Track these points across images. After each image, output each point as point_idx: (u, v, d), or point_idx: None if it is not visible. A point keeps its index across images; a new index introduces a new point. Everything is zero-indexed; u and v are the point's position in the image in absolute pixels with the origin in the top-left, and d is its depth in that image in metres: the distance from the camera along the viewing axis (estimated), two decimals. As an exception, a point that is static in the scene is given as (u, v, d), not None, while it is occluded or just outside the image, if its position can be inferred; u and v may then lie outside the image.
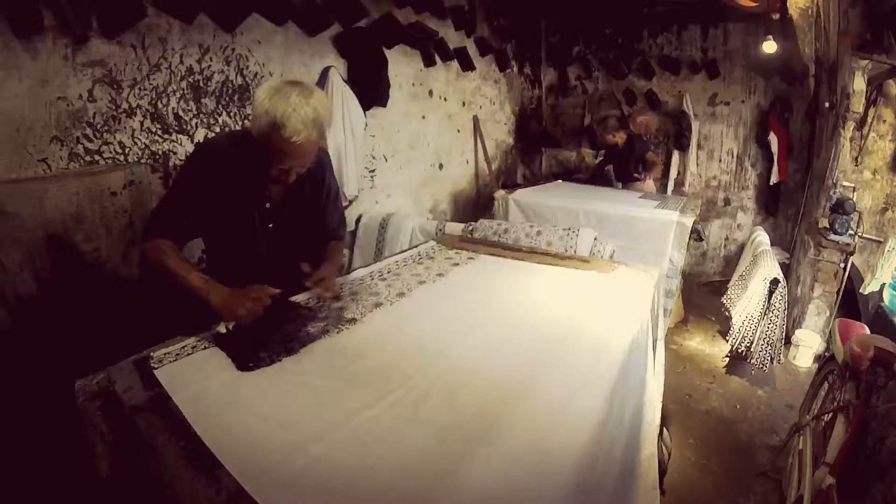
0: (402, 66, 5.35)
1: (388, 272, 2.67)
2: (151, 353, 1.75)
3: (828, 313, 4.77)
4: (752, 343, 4.27)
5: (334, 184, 2.49)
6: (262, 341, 1.82)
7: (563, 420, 1.48)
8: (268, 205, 2.21)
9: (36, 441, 2.56)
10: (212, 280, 1.96)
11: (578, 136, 8.42)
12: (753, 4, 5.52)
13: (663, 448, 3.14)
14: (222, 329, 1.89)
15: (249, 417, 1.43)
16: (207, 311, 1.94)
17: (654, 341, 2.56)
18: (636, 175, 6.37)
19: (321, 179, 2.38)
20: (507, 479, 1.25)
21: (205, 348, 1.81)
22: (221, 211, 2.13)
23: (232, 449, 1.29)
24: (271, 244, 2.25)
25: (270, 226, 2.24)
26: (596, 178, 7.09)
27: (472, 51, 6.47)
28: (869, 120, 4.88)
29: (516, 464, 1.30)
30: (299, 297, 2.26)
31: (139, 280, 2.83)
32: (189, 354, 1.76)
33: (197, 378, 1.61)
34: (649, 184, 6.45)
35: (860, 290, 4.71)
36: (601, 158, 7.23)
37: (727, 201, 7.46)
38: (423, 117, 5.88)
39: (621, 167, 6.53)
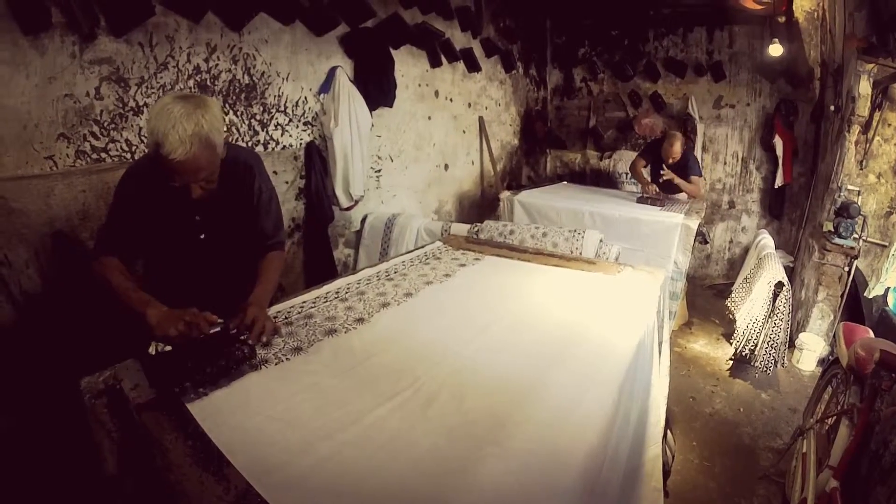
0: (408, 66, 5.35)
1: (395, 272, 2.68)
2: (158, 351, 1.75)
3: (832, 317, 4.76)
4: (756, 346, 4.28)
5: (266, 186, 2.34)
6: (190, 369, 1.62)
7: (571, 420, 1.48)
8: (197, 217, 2.15)
9: (42, 438, 2.56)
10: (153, 299, 1.89)
11: (584, 138, 8.40)
12: (759, 7, 5.51)
13: (667, 450, 3.14)
14: (151, 350, 1.81)
15: (257, 417, 1.43)
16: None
17: (660, 343, 2.56)
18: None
19: (249, 185, 2.26)
20: (516, 479, 1.25)
21: (212, 347, 1.81)
22: (154, 227, 2.11)
23: (240, 448, 1.29)
24: (206, 255, 2.21)
25: (202, 237, 2.19)
26: (602, 178, 7.09)
27: (478, 52, 6.47)
28: (874, 124, 4.85)
29: (525, 464, 1.30)
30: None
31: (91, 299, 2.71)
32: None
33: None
34: (682, 195, 6.35)
35: (864, 294, 4.69)
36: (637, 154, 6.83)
37: (732, 204, 7.45)
38: (429, 118, 5.88)
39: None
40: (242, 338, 1.81)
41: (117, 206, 2.12)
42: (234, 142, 3.65)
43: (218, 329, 1.83)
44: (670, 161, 5.73)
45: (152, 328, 1.77)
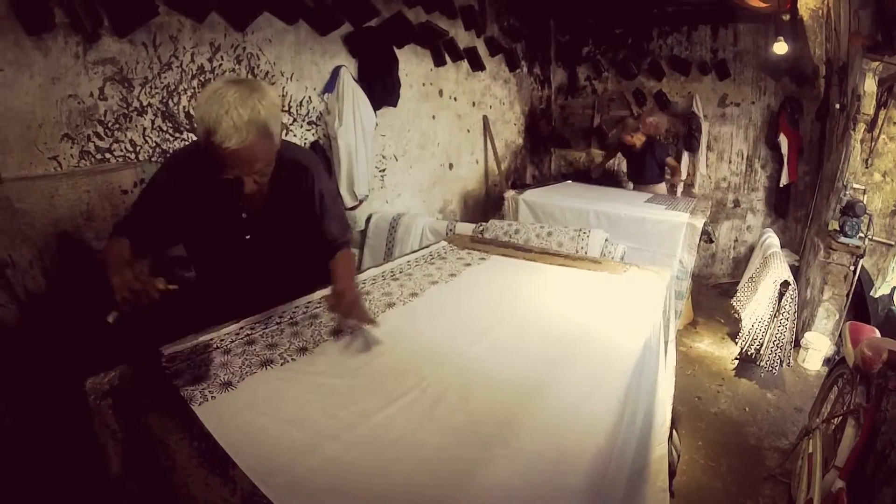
0: (412, 65, 5.35)
1: (401, 272, 2.67)
2: (163, 352, 1.75)
3: (837, 316, 4.76)
4: (761, 346, 4.26)
5: (328, 188, 2.24)
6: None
7: (577, 420, 1.48)
8: (243, 215, 2.06)
9: (47, 438, 2.57)
10: (129, 260, 1.74)
11: (588, 137, 8.41)
12: (764, 5, 5.50)
13: (672, 450, 3.13)
14: (110, 319, 1.62)
15: (263, 417, 1.43)
16: (219, 310, 1.95)
17: (665, 343, 2.56)
18: (667, 178, 6.45)
19: (308, 189, 2.14)
20: (523, 479, 1.25)
21: (216, 347, 1.81)
22: (196, 222, 2.03)
23: (246, 449, 1.29)
24: (251, 255, 2.12)
25: (248, 237, 2.10)
26: (605, 177, 7.13)
27: (482, 50, 6.46)
28: (879, 122, 4.84)
29: (531, 464, 1.29)
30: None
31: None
32: (201, 354, 1.76)
33: (209, 378, 1.61)
34: (661, 186, 6.45)
35: (870, 294, 4.68)
36: (604, 156, 7.29)
37: (737, 203, 7.44)
38: (433, 117, 5.87)
39: (636, 169, 6.54)
40: None
41: (149, 194, 2.02)
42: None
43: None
44: (630, 146, 6.42)
45: (111, 286, 1.63)
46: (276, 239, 2.14)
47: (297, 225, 2.17)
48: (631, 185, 6.70)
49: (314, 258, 2.19)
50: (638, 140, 6.34)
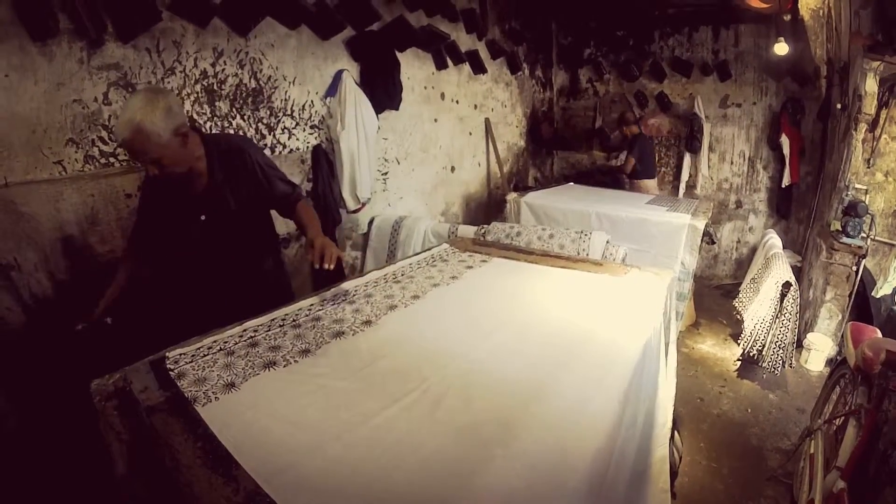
0: (414, 69, 5.36)
1: (402, 275, 2.69)
2: (167, 354, 1.76)
3: (840, 317, 4.75)
4: (763, 347, 4.26)
5: (263, 160, 2.57)
6: None
7: (577, 421, 1.49)
8: (202, 217, 2.41)
9: (53, 439, 2.58)
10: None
11: (590, 139, 8.42)
12: (765, 6, 5.51)
13: (674, 451, 3.13)
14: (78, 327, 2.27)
15: (266, 418, 1.44)
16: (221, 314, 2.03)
17: (667, 344, 2.56)
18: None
19: (249, 164, 2.47)
20: (524, 480, 1.26)
21: (220, 349, 1.83)
22: (162, 215, 2.41)
23: (249, 449, 1.30)
24: (208, 232, 2.44)
25: (202, 217, 2.42)
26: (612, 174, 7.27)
27: (484, 53, 6.48)
28: (881, 121, 4.84)
29: (532, 465, 1.31)
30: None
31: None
32: (204, 356, 1.78)
33: (213, 379, 1.62)
34: (651, 184, 6.51)
35: (872, 294, 4.68)
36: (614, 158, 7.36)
37: (739, 204, 7.44)
38: (435, 120, 5.89)
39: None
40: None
41: (139, 206, 2.48)
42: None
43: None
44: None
45: None
46: (228, 215, 2.45)
47: (245, 198, 2.48)
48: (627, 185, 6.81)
49: (264, 245, 2.70)
50: (629, 132, 6.69)
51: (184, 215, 2.41)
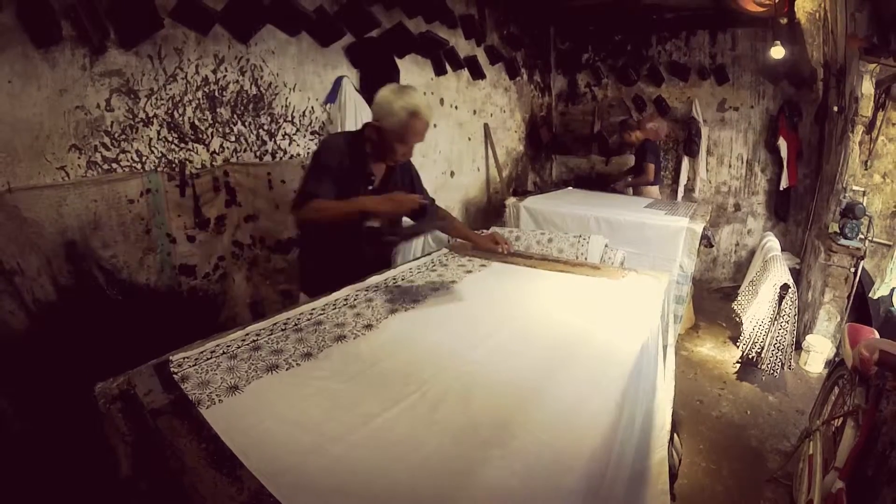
0: (413, 75, 5.38)
1: (403, 279, 2.71)
2: (171, 357, 1.78)
3: (838, 318, 4.77)
4: (762, 349, 4.28)
5: (417, 174, 3.20)
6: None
7: (574, 423, 1.50)
8: (370, 186, 2.79)
9: (59, 441, 2.61)
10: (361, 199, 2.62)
11: (588, 143, 8.43)
12: (761, 9, 5.54)
13: (674, 453, 3.15)
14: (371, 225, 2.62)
15: (269, 420, 1.46)
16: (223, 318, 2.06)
17: (665, 347, 2.58)
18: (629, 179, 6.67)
19: (408, 165, 3.06)
20: (521, 480, 1.28)
21: (223, 353, 1.85)
22: (338, 188, 2.62)
23: (252, 450, 1.32)
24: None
25: (370, 187, 2.81)
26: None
27: (483, 59, 6.50)
28: (878, 123, 4.87)
29: (529, 465, 1.32)
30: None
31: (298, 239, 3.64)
32: (208, 359, 1.79)
33: (216, 382, 1.64)
34: (653, 190, 6.51)
35: (869, 295, 4.70)
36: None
37: (737, 207, 7.46)
38: (434, 126, 5.87)
39: (633, 170, 6.70)
40: None
41: (320, 167, 2.68)
42: (242, 151, 3.71)
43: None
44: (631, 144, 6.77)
45: (373, 209, 2.58)
46: (389, 190, 2.83)
47: (400, 184, 2.95)
48: (630, 189, 6.76)
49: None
50: (636, 138, 6.52)
51: (362, 184, 2.77)
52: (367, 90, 4.60)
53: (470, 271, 2.86)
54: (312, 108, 4.27)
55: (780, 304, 4.17)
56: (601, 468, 1.46)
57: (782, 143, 6.74)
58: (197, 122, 3.42)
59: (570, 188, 6.67)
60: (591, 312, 2.32)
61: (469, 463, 1.31)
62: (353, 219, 2.59)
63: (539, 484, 1.28)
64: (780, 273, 4.24)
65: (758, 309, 4.35)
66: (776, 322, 4.20)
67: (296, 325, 2.12)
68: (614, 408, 1.65)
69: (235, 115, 3.66)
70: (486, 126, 6.98)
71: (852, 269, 4.65)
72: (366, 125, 2.78)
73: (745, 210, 7.43)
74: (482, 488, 1.24)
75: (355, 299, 2.41)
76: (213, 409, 1.49)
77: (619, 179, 6.89)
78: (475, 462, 1.31)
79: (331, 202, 2.58)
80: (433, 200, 3.18)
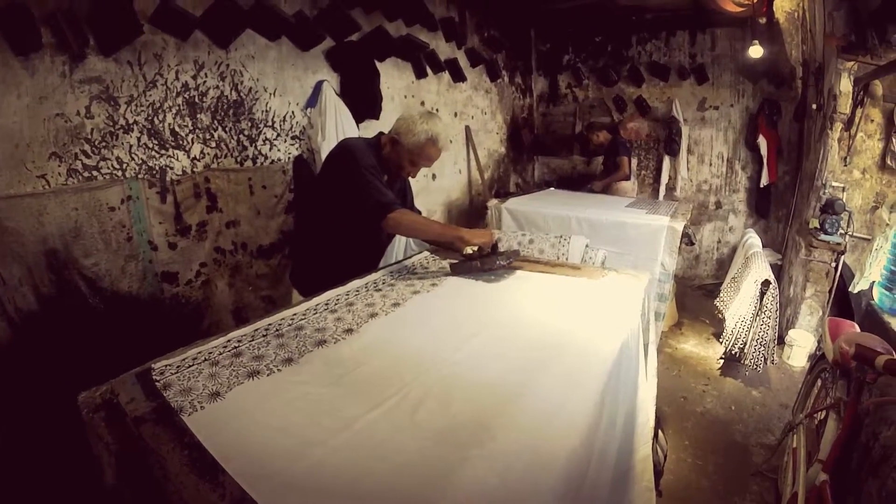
0: (393, 78, 5.40)
1: (384, 283, 2.71)
2: (153, 365, 1.78)
3: (820, 313, 4.83)
4: (745, 344, 4.33)
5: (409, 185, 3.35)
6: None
7: (553, 423, 1.51)
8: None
9: (43, 450, 2.59)
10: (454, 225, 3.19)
11: (570, 144, 8.48)
12: (740, 9, 5.59)
13: (659, 450, 3.18)
14: (468, 251, 2.83)
15: (251, 425, 1.46)
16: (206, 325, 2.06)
17: (646, 345, 2.60)
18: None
19: (407, 182, 3.28)
20: (501, 480, 1.29)
21: (205, 360, 1.85)
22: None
23: (235, 456, 1.32)
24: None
25: None
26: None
27: (463, 62, 6.53)
28: (856, 120, 4.93)
29: (508, 465, 1.33)
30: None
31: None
32: (190, 366, 1.79)
33: (198, 389, 1.65)
34: (626, 185, 6.59)
35: (850, 289, 4.76)
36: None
37: (719, 204, 7.53)
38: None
39: (605, 168, 6.88)
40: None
41: (372, 173, 2.76)
42: (223, 157, 3.70)
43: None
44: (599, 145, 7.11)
45: (468, 238, 2.80)
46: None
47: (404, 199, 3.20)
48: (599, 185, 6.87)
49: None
50: (605, 138, 6.87)
51: None
52: (348, 94, 4.61)
53: (451, 274, 2.87)
54: (293, 112, 4.28)
55: (761, 299, 4.21)
56: (583, 466, 1.47)
57: (762, 141, 6.81)
58: (177, 129, 3.41)
59: (553, 189, 6.69)
60: (571, 313, 2.33)
61: (449, 464, 1.31)
62: (443, 241, 2.94)
63: (519, 484, 1.29)
64: (761, 269, 4.29)
65: (740, 305, 4.39)
66: (758, 318, 4.25)
67: (277, 330, 2.12)
68: (594, 406, 1.66)
69: (216, 121, 3.66)
70: (467, 128, 7.01)
71: (833, 264, 4.71)
72: (382, 135, 2.98)
73: (727, 208, 7.50)
74: (462, 489, 1.24)
75: (336, 303, 2.41)
76: (195, 416, 1.49)
77: (598, 181, 6.94)
78: (455, 463, 1.32)
79: (425, 219, 3.03)
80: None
